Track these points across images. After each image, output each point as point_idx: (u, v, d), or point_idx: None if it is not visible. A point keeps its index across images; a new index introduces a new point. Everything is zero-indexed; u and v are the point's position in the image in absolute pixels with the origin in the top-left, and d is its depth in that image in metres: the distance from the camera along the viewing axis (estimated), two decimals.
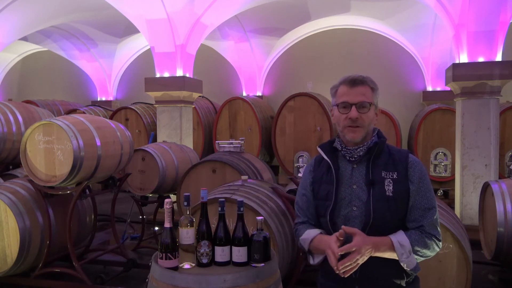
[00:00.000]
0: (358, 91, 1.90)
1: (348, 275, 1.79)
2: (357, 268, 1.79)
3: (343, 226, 1.82)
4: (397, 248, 1.80)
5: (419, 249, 1.84)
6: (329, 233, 1.94)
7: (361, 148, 1.93)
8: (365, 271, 1.89)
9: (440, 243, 1.89)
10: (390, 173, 1.89)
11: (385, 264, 1.87)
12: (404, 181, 1.88)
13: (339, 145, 1.99)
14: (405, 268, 1.84)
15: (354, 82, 1.91)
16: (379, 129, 2.04)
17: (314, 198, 2.01)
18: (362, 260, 1.78)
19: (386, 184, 1.88)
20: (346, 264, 1.76)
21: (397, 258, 1.83)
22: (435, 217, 1.88)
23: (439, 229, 1.90)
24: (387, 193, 1.87)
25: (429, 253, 1.88)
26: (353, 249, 1.76)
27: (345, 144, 1.97)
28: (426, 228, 1.86)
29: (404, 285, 1.91)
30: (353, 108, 1.88)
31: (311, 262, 2.01)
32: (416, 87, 10.50)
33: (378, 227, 1.85)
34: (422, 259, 1.89)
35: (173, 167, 5.88)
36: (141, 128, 9.78)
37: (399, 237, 1.83)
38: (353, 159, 1.94)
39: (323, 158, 2.03)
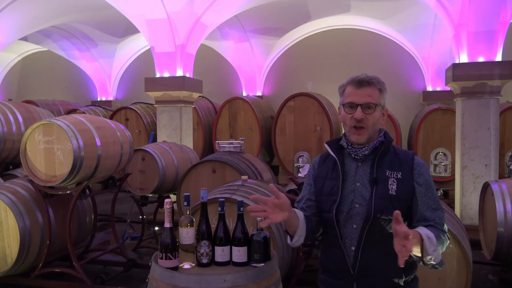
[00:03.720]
0: (365, 92, 1.92)
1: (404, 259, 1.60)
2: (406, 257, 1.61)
3: (396, 212, 1.63)
4: (425, 241, 1.71)
5: (438, 244, 1.77)
6: (332, 228, 1.95)
7: (366, 147, 1.96)
8: (363, 268, 1.89)
9: (448, 242, 1.87)
10: (395, 172, 1.92)
11: (384, 262, 1.86)
12: (408, 181, 1.90)
13: (345, 143, 2.02)
14: (431, 262, 1.73)
15: (361, 83, 1.93)
16: (386, 130, 2.06)
17: (318, 194, 2.03)
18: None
19: (390, 183, 1.90)
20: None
21: (418, 255, 1.72)
22: (444, 217, 1.90)
23: (447, 228, 1.90)
24: (390, 192, 1.88)
25: (441, 251, 1.81)
26: (410, 233, 1.62)
27: (351, 142, 2.00)
28: (437, 226, 1.84)
29: (403, 284, 1.90)
30: (359, 108, 1.91)
31: (289, 241, 1.98)
32: (416, 87, 10.50)
33: (378, 225, 1.86)
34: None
35: (173, 167, 5.88)
36: (141, 128, 9.78)
37: (423, 231, 1.74)
38: (358, 158, 1.97)
39: (329, 154, 2.06)
